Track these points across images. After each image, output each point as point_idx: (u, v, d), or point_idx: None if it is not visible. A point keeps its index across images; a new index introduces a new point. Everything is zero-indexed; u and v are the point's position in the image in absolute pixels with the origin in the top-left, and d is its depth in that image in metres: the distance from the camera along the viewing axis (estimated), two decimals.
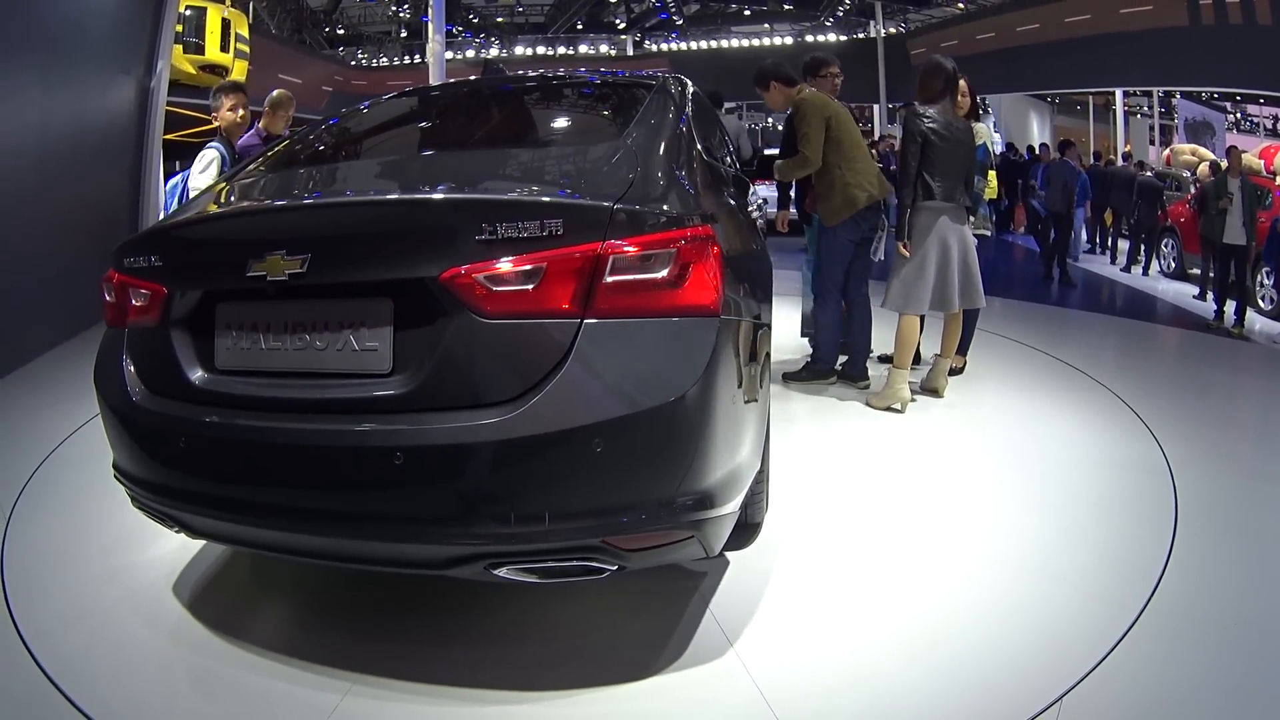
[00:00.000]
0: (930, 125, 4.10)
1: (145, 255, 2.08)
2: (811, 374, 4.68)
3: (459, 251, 1.76)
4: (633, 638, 2.24)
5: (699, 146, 2.53)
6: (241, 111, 4.25)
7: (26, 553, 2.81)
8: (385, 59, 28.76)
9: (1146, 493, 3.23)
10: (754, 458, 2.19)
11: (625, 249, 1.76)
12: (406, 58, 27.74)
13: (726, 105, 14.95)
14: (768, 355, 2.51)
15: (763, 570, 2.58)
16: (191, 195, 3.71)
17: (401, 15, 25.31)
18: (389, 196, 2.05)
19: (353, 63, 27.47)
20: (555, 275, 1.73)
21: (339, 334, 1.86)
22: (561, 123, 2.90)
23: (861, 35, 27.05)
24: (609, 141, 2.26)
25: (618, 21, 27.80)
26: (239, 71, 16.35)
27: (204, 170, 3.90)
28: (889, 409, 4.19)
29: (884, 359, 4.90)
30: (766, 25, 29.34)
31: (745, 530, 2.70)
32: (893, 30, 26.63)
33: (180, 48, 13.61)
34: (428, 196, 1.95)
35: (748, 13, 28.55)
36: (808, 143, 4.32)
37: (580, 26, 28.09)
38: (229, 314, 2.00)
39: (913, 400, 4.30)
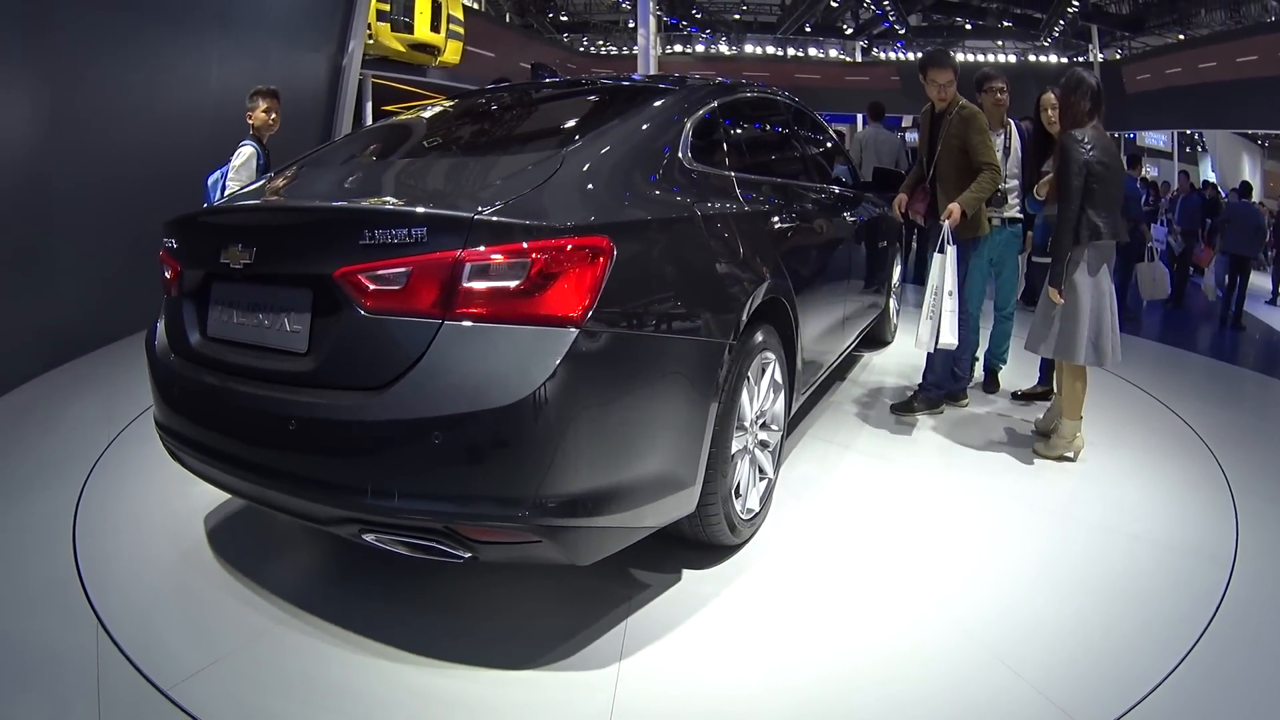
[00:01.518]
0: (1092, 154, 3.82)
1: (170, 238, 2.67)
2: (925, 404, 4.69)
3: (348, 253, 2.10)
4: (542, 629, 2.49)
5: (683, 155, 2.76)
6: (275, 115, 4.84)
7: (101, 510, 3.27)
8: (613, 47, 29.60)
9: None
10: (674, 476, 2.36)
11: (482, 257, 1.98)
12: (633, 47, 28.35)
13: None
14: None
15: (704, 595, 2.69)
16: (229, 189, 4.36)
17: (624, 6, 25.93)
18: (304, 203, 2.49)
19: (580, 49, 28.46)
20: (419, 278, 2.00)
21: (278, 316, 2.30)
22: (536, 131, 3.06)
23: (1081, 59, 26.41)
24: (552, 150, 2.44)
25: (846, 27, 27.23)
26: (452, 52, 17.41)
27: (241, 166, 4.54)
28: (1060, 458, 4.05)
29: (1023, 396, 5.00)
30: (999, 42, 28.09)
31: (708, 550, 2.88)
32: (1116, 56, 26.09)
33: (388, 26, 14.49)
34: (329, 204, 2.39)
35: (969, 27, 27.48)
36: (990, 152, 4.34)
37: (809, 29, 27.71)
38: (218, 291, 2.51)
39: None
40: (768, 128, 4.19)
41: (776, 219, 3.37)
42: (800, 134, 4.40)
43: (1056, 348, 3.94)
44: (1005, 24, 27.40)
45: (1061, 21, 25.93)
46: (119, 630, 2.46)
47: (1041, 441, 4.13)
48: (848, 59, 27.09)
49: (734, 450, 2.80)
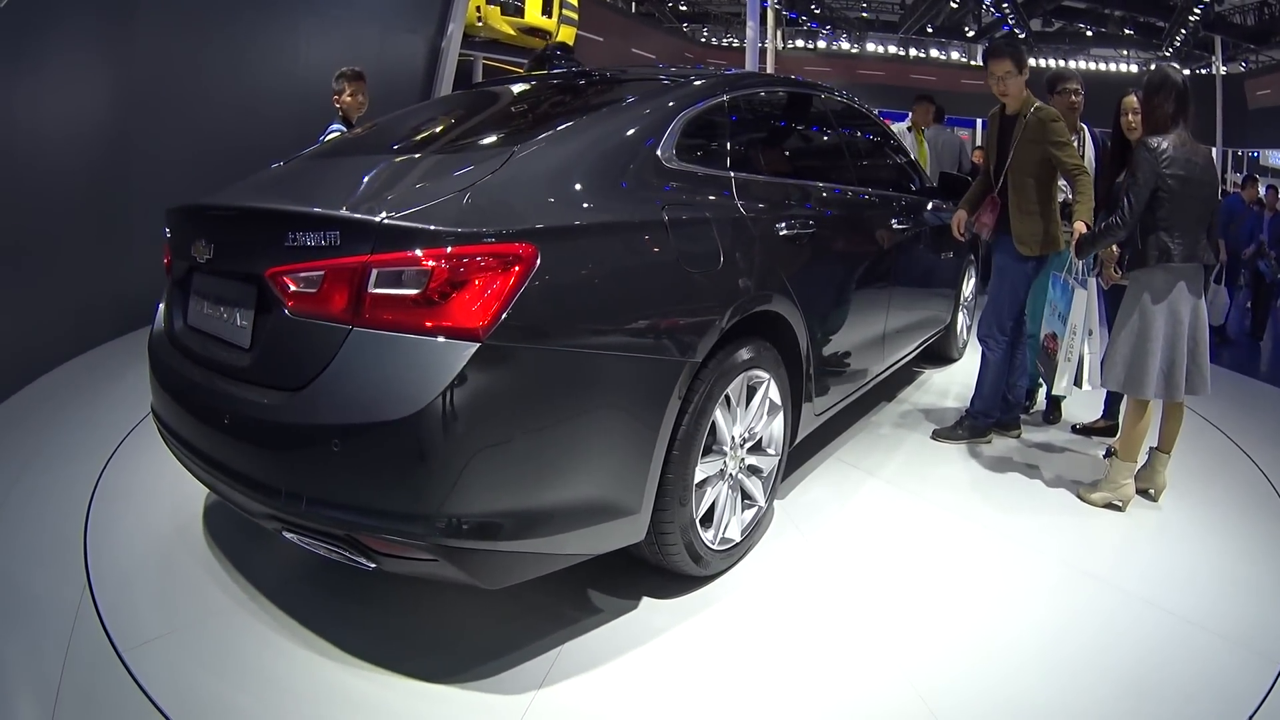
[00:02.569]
0: (1168, 167, 3.34)
1: (166, 227, 2.70)
2: (970, 431, 4.28)
3: (277, 254, 2.05)
4: (477, 643, 2.37)
5: (664, 154, 2.53)
6: (361, 97, 4.86)
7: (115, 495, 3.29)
8: (734, 39, 29.03)
9: None
10: (611, 503, 2.20)
11: (387, 263, 1.89)
12: (727, 41, 27.86)
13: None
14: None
15: (654, 628, 2.48)
16: None
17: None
18: (247, 202, 2.39)
19: (701, 40, 28.05)
20: (332, 283, 1.94)
21: (232, 310, 2.27)
22: (506, 127, 2.78)
23: (1204, 71, 24.81)
24: (505, 149, 2.29)
25: (968, 29, 26.01)
26: (564, 36, 17.27)
27: None
28: (1110, 506, 3.55)
29: (1083, 430, 4.51)
30: (1124, 52, 26.38)
31: (676, 578, 2.66)
32: (1240, 69, 24.41)
33: (498, 9, 14.45)
34: (263, 205, 2.31)
35: (1089, 34, 25.74)
36: (1075, 153, 3.91)
37: (931, 31, 26.60)
38: (196, 282, 2.51)
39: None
40: (794, 125, 3.82)
41: (785, 225, 3.02)
42: (840, 133, 3.99)
43: (1125, 380, 3.46)
44: (1126, 32, 25.88)
45: (1183, 31, 24.32)
46: (100, 589, 2.59)
47: (1087, 486, 3.64)
48: (970, 61, 25.88)
49: (703, 477, 2.56)
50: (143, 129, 5.72)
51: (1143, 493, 3.67)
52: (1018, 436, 4.33)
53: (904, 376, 5.32)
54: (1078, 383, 3.66)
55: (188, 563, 2.77)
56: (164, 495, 3.22)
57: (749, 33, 14.27)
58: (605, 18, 21.75)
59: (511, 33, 15.34)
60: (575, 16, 17.38)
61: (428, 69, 10.33)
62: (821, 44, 28.18)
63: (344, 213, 1.98)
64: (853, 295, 3.67)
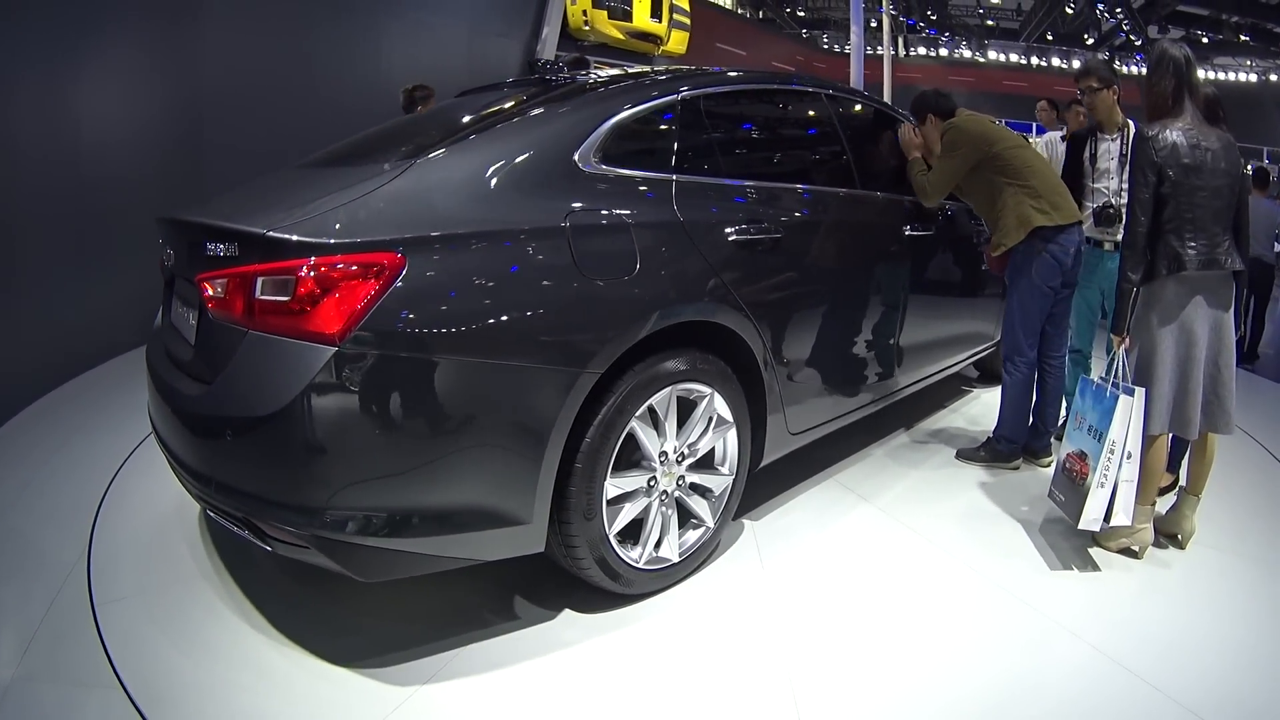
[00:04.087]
0: (1167, 157, 2.84)
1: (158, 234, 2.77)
2: (992, 455, 3.87)
3: (202, 261, 2.14)
4: (390, 632, 2.39)
5: (585, 158, 2.42)
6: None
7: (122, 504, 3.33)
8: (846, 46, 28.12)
9: None
10: (498, 511, 2.15)
11: (269, 272, 1.95)
12: (872, 48, 26.85)
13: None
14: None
15: (562, 641, 2.39)
16: None
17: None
18: (184, 215, 2.43)
19: (823, 46, 27.31)
20: (233, 290, 2.02)
21: (188, 310, 2.40)
22: (431, 135, 2.56)
23: None
24: (410, 157, 2.24)
25: (1089, 37, 24.32)
26: (676, 42, 17.09)
27: None
28: (1124, 551, 3.09)
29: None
30: (1247, 61, 24.10)
31: (598, 593, 2.54)
32: None
33: (605, 13, 14.35)
34: (191, 218, 2.36)
35: (1205, 40, 23.63)
36: (934, 174, 3.69)
37: (1051, 38, 25.03)
38: (175, 284, 2.62)
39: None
40: (767, 125, 3.46)
41: (737, 230, 2.76)
42: (832, 132, 3.59)
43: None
44: (1243, 39, 23.62)
45: None
46: (97, 548, 2.86)
47: (1105, 530, 3.09)
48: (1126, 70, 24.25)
49: (619, 493, 2.43)
50: (217, 136, 5.81)
51: (1171, 537, 3.18)
52: (1047, 466, 3.86)
53: (945, 394, 4.87)
54: (1108, 517, 2.92)
55: (175, 539, 2.93)
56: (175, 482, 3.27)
57: (853, 39, 13.73)
58: (728, 24, 21.38)
59: (620, 37, 15.19)
60: (687, 21, 17.11)
61: (520, 69, 10.27)
62: (943, 51, 27.00)
63: (239, 225, 2.07)
64: (844, 306, 3.33)
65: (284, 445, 1.93)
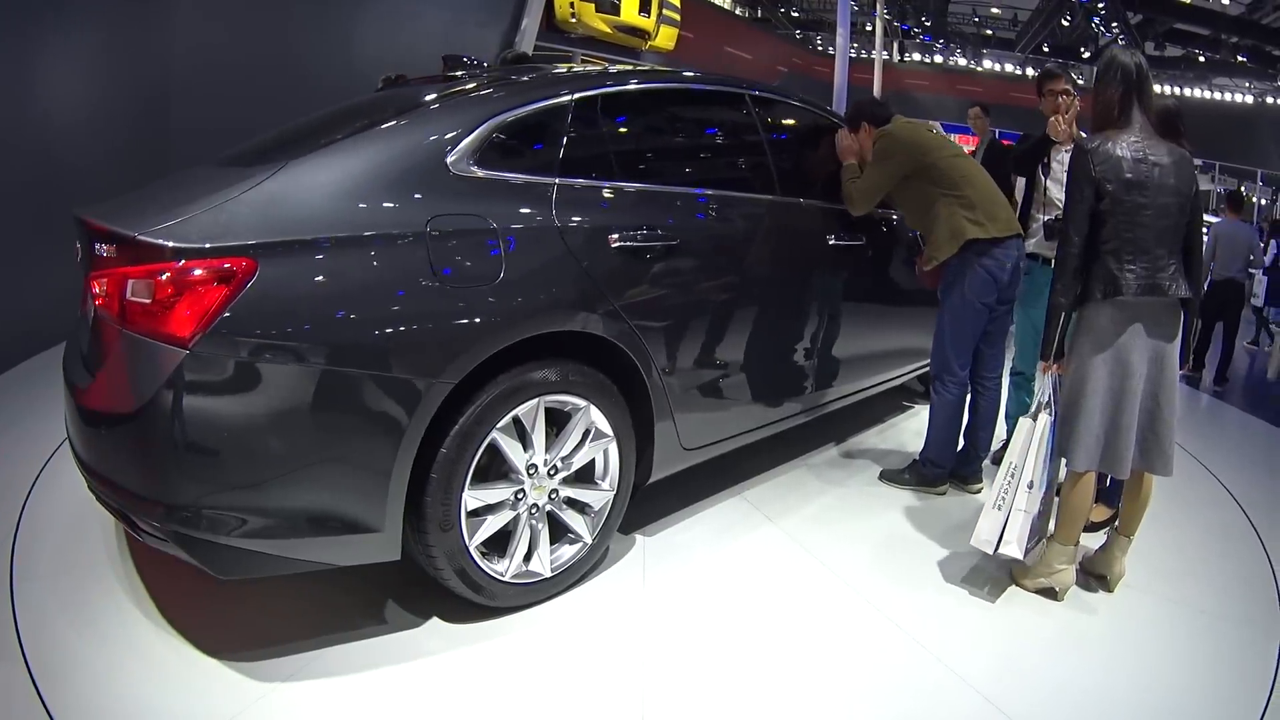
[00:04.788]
0: (1103, 168, 2.57)
1: None
2: (917, 478, 3.58)
3: (90, 260, 2.11)
4: (269, 628, 2.35)
5: (458, 161, 2.30)
6: None
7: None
8: (852, 49, 27.73)
9: None
10: (349, 517, 2.08)
11: (137, 275, 1.93)
12: (865, 52, 26.49)
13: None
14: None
15: (421, 649, 2.31)
16: None
17: (854, 7, 24.10)
18: (80, 213, 2.28)
19: (817, 49, 26.93)
20: (111, 290, 1.98)
21: (89, 307, 2.28)
22: (315, 136, 2.40)
23: None
24: (282, 160, 2.14)
25: (1084, 51, 23.94)
26: (665, 37, 16.77)
27: None
28: (1042, 591, 2.81)
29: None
30: (1246, 82, 23.76)
31: (467, 603, 2.42)
32: None
33: (593, 6, 14.02)
34: (83, 216, 2.22)
35: (1202, 59, 23.28)
36: (862, 181, 3.43)
37: (1047, 49, 24.65)
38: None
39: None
40: (671, 127, 3.18)
41: (623, 237, 2.56)
42: (747, 136, 3.33)
43: (1059, 440, 2.73)
44: (1239, 59, 23.14)
45: None
46: (23, 529, 2.83)
47: (1021, 567, 2.86)
48: (1083, 82, 23.89)
49: (480, 505, 2.31)
50: (185, 123, 5.51)
51: (1099, 579, 2.89)
52: (977, 492, 3.58)
53: (883, 409, 4.58)
54: (1000, 541, 2.69)
55: (93, 527, 2.85)
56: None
57: (839, 41, 13.38)
58: (724, 23, 21.01)
59: (607, 30, 14.88)
60: (677, 17, 16.79)
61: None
62: (939, 58, 26.62)
63: (115, 227, 2.01)
64: (749, 318, 3.06)
65: (143, 443, 1.95)
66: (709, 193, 2.98)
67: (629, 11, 14.85)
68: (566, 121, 2.56)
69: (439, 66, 2.96)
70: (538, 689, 2.17)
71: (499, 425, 2.27)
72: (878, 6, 18.67)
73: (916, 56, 27.32)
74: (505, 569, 2.39)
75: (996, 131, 6.51)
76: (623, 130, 2.84)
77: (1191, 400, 6.54)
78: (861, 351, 3.74)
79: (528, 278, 2.31)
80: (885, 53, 21.61)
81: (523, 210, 2.37)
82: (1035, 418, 2.74)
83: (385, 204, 2.12)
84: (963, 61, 26.38)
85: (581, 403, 2.46)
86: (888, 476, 3.64)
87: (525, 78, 2.69)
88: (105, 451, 2.07)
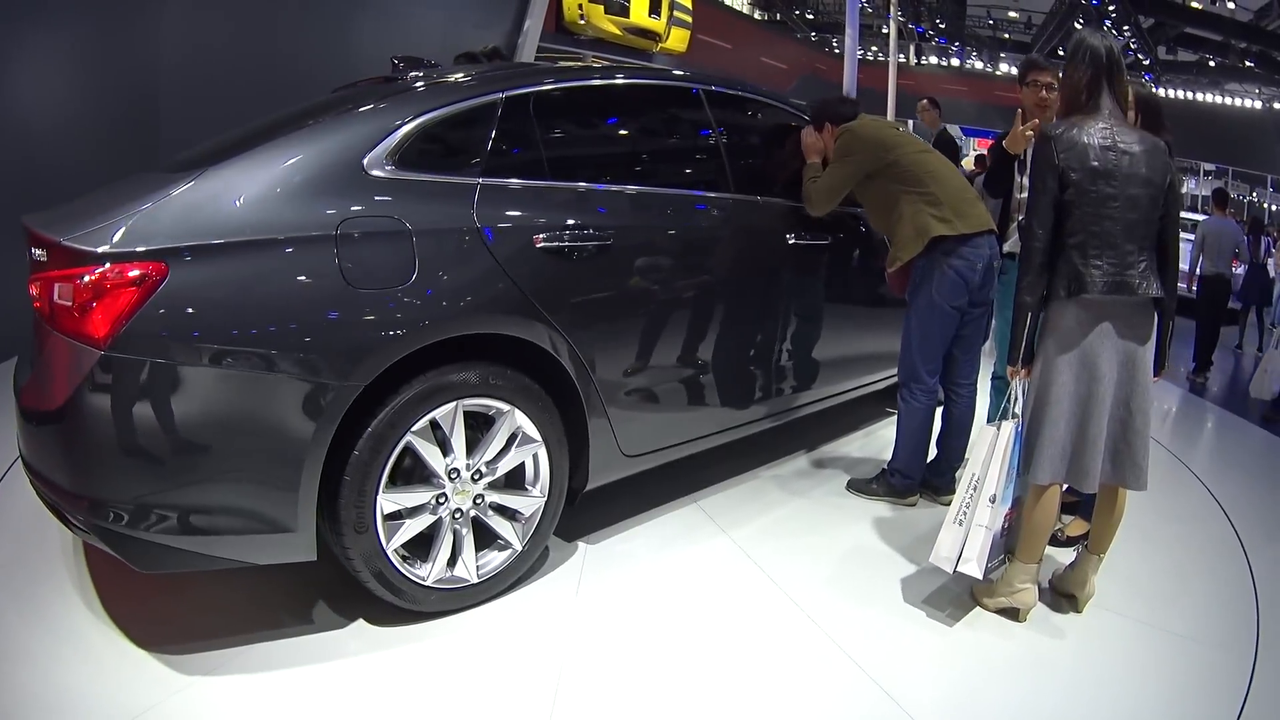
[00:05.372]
0: (1067, 156, 2.37)
1: None
2: (886, 489, 3.37)
3: (32, 264, 2.13)
4: (198, 623, 2.34)
5: (375, 163, 2.24)
6: None
7: None
8: (867, 50, 27.29)
9: None
10: (263, 517, 2.06)
11: (62, 279, 1.95)
12: (882, 55, 26.09)
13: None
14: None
15: (338, 650, 2.27)
16: None
17: (867, 9, 23.66)
18: (24, 219, 2.28)
19: (835, 51, 26.55)
20: (42, 292, 2.03)
21: None
22: (246, 141, 2.35)
23: None
24: (207, 165, 2.13)
25: None
26: (676, 39, 16.60)
27: None
28: (1004, 611, 2.61)
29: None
30: (1258, 89, 23.20)
31: (392, 606, 2.35)
32: None
33: (601, 8, 13.87)
34: (25, 221, 2.21)
35: (1212, 64, 22.70)
36: (822, 180, 3.23)
37: (1062, 53, 24.15)
38: None
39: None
40: (624, 124, 3.02)
41: (549, 237, 2.45)
42: (696, 132, 3.15)
43: (1023, 450, 2.52)
44: (1248, 64, 22.49)
45: None
46: None
47: (982, 585, 2.64)
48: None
49: (397, 508, 2.25)
50: (173, 126, 5.40)
51: (1068, 598, 2.68)
52: (949, 504, 3.36)
53: (861, 415, 4.36)
54: (959, 562, 2.49)
55: (55, 525, 2.68)
56: None
57: (847, 42, 13.12)
58: (740, 26, 20.74)
59: (616, 32, 14.72)
60: (688, 19, 16.60)
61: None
62: (954, 61, 26.23)
63: (45, 232, 2.04)
64: (696, 321, 2.90)
65: (67, 440, 1.99)
66: (650, 190, 2.83)
67: (638, 13, 14.68)
68: (495, 120, 2.47)
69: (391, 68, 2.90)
70: (446, 696, 2.10)
71: (414, 429, 2.20)
72: (891, 9, 18.34)
73: (933, 60, 26.95)
74: (427, 573, 2.33)
75: (945, 126, 6.56)
76: (558, 128, 2.71)
77: (1185, 401, 6.27)
78: (826, 357, 3.55)
79: (441, 279, 2.23)
80: (901, 56, 21.29)
81: (440, 211, 2.29)
82: (998, 425, 2.53)
83: (296, 207, 2.09)
84: (979, 65, 25.97)
85: (505, 407, 2.37)
86: (855, 487, 3.44)
87: (459, 77, 2.59)
88: (38, 448, 2.10)
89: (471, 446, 2.36)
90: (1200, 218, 10.53)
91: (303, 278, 2.05)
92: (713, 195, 3.02)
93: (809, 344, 3.43)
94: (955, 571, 2.50)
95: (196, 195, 2.02)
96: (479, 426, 2.39)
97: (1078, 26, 22.70)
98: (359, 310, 2.09)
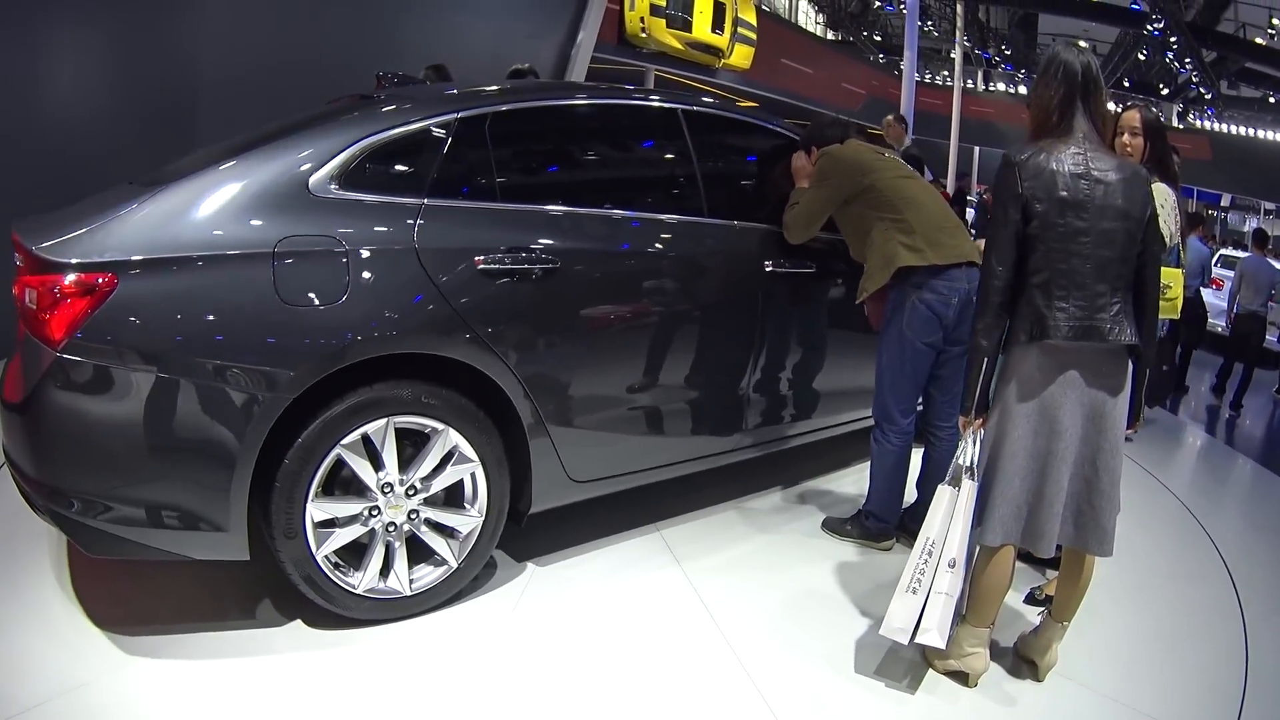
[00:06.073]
0: (1032, 184, 2.12)
1: None
2: (860, 531, 3.17)
3: (15, 268, 2.21)
4: (146, 608, 2.42)
5: (320, 183, 2.26)
6: None
7: None
8: (933, 75, 26.68)
9: None
10: (198, 515, 2.12)
11: (32, 285, 2.06)
12: (940, 78, 25.44)
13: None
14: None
15: (265, 647, 2.30)
16: None
17: (928, 31, 23.06)
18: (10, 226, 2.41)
19: (896, 74, 26.04)
20: (19, 295, 2.12)
21: None
22: (212, 159, 2.41)
23: None
24: (170, 181, 2.22)
25: (1162, 87, 22.47)
26: (740, 56, 16.45)
27: None
28: (953, 675, 2.41)
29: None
30: None
31: (325, 609, 2.37)
32: None
33: (664, 22, 13.78)
34: (11, 228, 2.31)
35: (1274, 100, 21.50)
36: (800, 206, 3.05)
37: (1127, 85, 23.29)
38: None
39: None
40: (588, 146, 2.94)
41: (492, 259, 2.40)
42: (685, 155, 3.01)
43: (974, 514, 2.30)
44: None
45: None
46: None
47: (938, 652, 2.40)
48: (1166, 122, 22.39)
49: (328, 517, 2.26)
50: (211, 127, 5.47)
51: (1029, 664, 2.47)
52: None
53: (848, 452, 4.04)
54: (917, 632, 2.25)
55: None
56: None
57: (905, 66, 12.79)
58: (806, 46, 20.35)
59: (679, 47, 14.62)
60: (753, 36, 16.41)
61: (555, 71, 9.77)
62: (1022, 89, 25.45)
63: (21, 240, 2.15)
64: (657, 348, 2.79)
65: (28, 430, 2.11)
66: (606, 214, 2.73)
67: (700, 28, 14.55)
68: (446, 140, 2.44)
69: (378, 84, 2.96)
70: (356, 701, 2.11)
71: (344, 442, 2.21)
72: (958, 34, 17.93)
73: (1000, 86, 26.22)
74: (359, 582, 2.33)
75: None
76: (515, 149, 2.65)
77: (1207, 446, 5.87)
78: (802, 391, 3.38)
79: (374, 299, 2.23)
80: (969, 81, 20.76)
81: (379, 231, 2.28)
82: (956, 484, 2.32)
83: (240, 226, 2.14)
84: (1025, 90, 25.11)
85: (439, 425, 2.33)
86: (829, 526, 3.26)
87: (417, 96, 2.59)
88: (9, 436, 2.22)
89: (410, 462, 2.34)
90: (1242, 254, 10.24)
91: (239, 293, 2.10)
92: (681, 219, 2.90)
93: (783, 377, 3.27)
94: (912, 643, 2.30)
95: (153, 211, 2.10)
96: (420, 443, 2.36)
97: (1140, 58, 21.84)
98: (288, 327, 2.13)
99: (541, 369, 2.50)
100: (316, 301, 2.16)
